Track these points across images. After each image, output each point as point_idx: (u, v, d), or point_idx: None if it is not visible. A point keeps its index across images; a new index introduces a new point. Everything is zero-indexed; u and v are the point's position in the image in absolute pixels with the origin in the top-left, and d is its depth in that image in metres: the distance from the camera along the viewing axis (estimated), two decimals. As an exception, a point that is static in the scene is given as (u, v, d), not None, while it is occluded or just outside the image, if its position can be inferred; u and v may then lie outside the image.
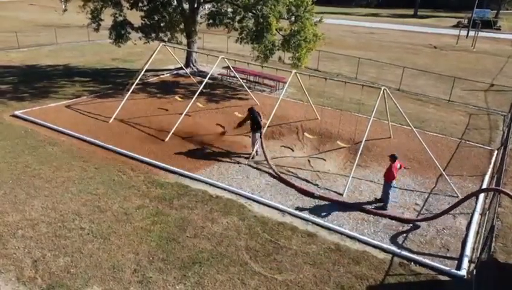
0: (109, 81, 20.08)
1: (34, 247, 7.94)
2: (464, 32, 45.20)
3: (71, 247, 8.01)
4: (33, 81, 19.23)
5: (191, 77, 20.05)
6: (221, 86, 20.16)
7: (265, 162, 11.85)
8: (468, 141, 14.89)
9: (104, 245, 8.13)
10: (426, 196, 10.84)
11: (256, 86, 20.22)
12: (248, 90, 17.81)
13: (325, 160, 12.65)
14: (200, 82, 19.03)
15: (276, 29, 16.25)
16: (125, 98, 15.22)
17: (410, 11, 78.63)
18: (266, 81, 20.24)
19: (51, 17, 43.46)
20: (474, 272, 7.89)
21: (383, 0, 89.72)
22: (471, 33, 43.79)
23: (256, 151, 12.35)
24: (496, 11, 69.78)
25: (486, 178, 12.03)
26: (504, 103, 20.23)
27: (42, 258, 7.66)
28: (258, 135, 12.22)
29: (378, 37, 44.42)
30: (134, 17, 20.47)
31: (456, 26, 54.32)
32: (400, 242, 8.83)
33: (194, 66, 22.59)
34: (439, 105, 19.72)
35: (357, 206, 10.05)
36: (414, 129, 12.44)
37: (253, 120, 12.21)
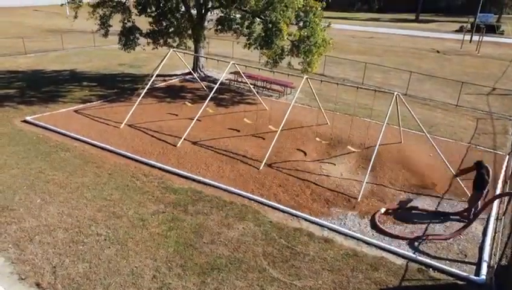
0: (117, 86, 20.14)
1: (52, 253, 7.93)
2: (467, 37, 45.31)
3: (89, 253, 8.00)
4: (41, 87, 19.30)
5: (200, 82, 20.10)
6: (228, 91, 20.22)
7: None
8: (478, 145, 14.89)
9: (121, 251, 8.12)
10: (439, 201, 10.84)
11: (263, 91, 20.28)
12: (257, 95, 17.86)
13: (334, 164, 12.64)
14: (208, 87, 19.17)
15: (286, 34, 16.31)
16: (136, 103, 15.25)
17: (412, 16, 78.96)
18: (274, 86, 20.28)
19: (56, 22, 43.75)
20: (494, 278, 7.87)
21: (384, 5, 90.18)
22: (475, 37, 43.89)
23: (474, 212, 9.94)
24: (497, 16, 69.97)
25: (500, 183, 12.02)
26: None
27: (61, 264, 7.66)
28: (480, 194, 9.97)
29: (381, 41, 44.55)
30: (142, 23, 20.58)
31: (458, 31, 54.50)
32: (417, 248, 8.81)
33: (201, 71, 22.68)
34: (447, 110, 19.75)
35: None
36: (427, 134, 12.46)
37: (479, 177, 9.96)
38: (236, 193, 10.56)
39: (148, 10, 19.83)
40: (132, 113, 14.84)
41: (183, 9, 20.14)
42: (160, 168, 11.65)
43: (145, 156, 12.26)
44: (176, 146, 13.07)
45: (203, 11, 20.12)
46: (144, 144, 13.17)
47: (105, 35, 19.60)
